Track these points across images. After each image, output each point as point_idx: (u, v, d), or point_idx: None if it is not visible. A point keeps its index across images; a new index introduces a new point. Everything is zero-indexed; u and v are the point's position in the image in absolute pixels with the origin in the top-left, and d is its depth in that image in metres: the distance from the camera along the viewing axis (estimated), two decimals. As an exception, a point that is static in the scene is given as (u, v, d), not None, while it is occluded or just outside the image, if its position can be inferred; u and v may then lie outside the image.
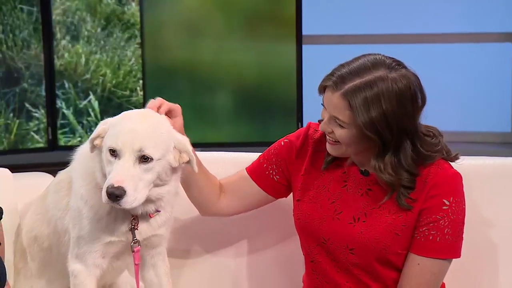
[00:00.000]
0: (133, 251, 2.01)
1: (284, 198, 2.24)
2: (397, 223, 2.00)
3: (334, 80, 1.93)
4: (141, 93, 3.93)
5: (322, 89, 1.98)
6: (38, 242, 2.20)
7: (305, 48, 4.00)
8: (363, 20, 4.70)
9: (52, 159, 3.70)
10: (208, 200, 2.22)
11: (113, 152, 1.89)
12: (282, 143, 2.18)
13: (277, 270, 2.45)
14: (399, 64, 1.96)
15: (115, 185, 1.84)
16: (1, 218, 1.99)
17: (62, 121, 3.94)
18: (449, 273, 2.04)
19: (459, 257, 2.02)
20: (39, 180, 2.49)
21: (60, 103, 3.94)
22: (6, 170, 2.45)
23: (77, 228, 2.02)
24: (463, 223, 2.01)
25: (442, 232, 1.98)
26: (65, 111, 3.95)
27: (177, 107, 2.06)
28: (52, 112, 3.90)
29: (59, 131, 3.93)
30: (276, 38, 3.94)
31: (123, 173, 1.86)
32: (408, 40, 4.58)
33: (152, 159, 1.89)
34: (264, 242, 2.46)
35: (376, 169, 1.96)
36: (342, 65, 1.96)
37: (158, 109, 2.03)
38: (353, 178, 2.06)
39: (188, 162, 1.98)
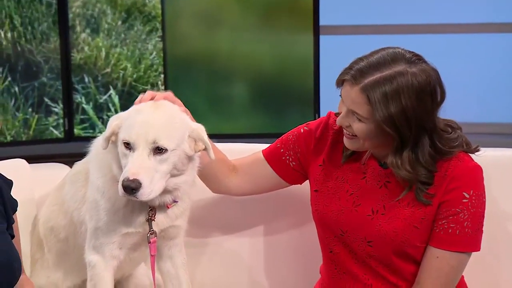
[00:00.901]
0: (150, 242, 2.01)
1: (301, 187, 2.23)
2: (416, 216, 1.98)
3: (353, 74, 1.91)
4: (163, 87, 3.88)
5: (340, 83, 1.96)
6: (54, 233, 2.21)
7: (322, 38, 3.98)
8: (381, 10, 4.67)
9: (69, 150, 3.69)
10: (216, 177, 2.20)
11: (128, 145, 1.90)
12: (302, 130, 2.17)
13: (294, 260, 2.45)
14: (419, 58, 1.95)
15: (131, 178, 1.84)
16: (16, 210, 2.00)
17: (82, 116, 3.88)
18: (468, 266, 2.03)
19: (479, 250, 2.01)
20: (55, 171, 2.49)
21: (79, 98, 3.87)
22: (23, 161, 2.46)
23: (94, 219, 2.03)
24: (483, 216, 1.99)
25: (462, 225, 1.96)
26: (85, 106, 3.89)
27: (169, 94, 2.05)
28: (69, 103, 3.84)
29: (79, 126, 3.86)
30: (293, 29, 3.91)
31: (138, 165, 1.86)
32: (426, 30, 4.54)
33: (166, 150, 1.89)
34: (281, 232, 2.46)
35: (393, 165, 1.95)
36: (360, 59, 1.94)
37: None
38: (372, 170, 2.05)
39: (204, 150, 1.97)
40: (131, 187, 1.84)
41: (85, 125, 3.88)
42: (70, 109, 3.85)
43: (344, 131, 2.01)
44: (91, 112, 3.89)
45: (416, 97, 1.89)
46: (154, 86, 3.91)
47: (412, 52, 1.96)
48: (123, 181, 1.85)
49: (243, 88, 3.99)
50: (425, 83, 1.90)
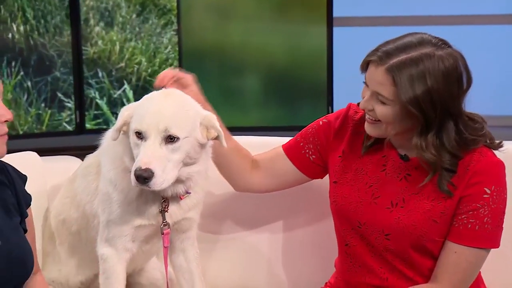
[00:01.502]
0: (163, 234, 2.00)
1: (318, 181, 2.22)
2: (436, 210, 1.97)
3: (379, 55, 1.91)
4: None
5: (365, 65, 1.96)
6: (66, 225, 2.21)
7: (336, 30, 3.95)
8: (396, 1, 4.63)
9: (80, 142, 3.66)
10: (238, 173, 2.21)
11: (139, 135, 1.89)
12: (321, 123, 2.16)
13: (310, 254, 2.45)
14: (445, 43, 1.94)
15: (143, 167, 1.83)
16: (30, 205, 2.00)
17: (95, 112, 3.82)
18: (486, 263, 2.01)
19: (498, 247, 1.99)
20: (67, 164, 2.50)
21: (93, 93, 3.81)
22: (35, 154, 2.46)
23: (106, 212, 2.02)
24: (504, 212, 1.98)
25: (482, 220, 1.94)
26: (98, 101, 3.82)
27: (188, 76, 2.07)
28: (80, 95, 3.79)
29: (92, 122, 3.81)
30: (307, 20, 3.89)
31: (150, 154, 1.85)
32: (443, 21, 4.51)
33: (178, 138, 1.88)
34: (298, 225, 2.46)
35: (418, 147, 1.93)
36: (387, 42, 1.95)
37: (170, 79, 2.05)
38: (392, 162, 2.04)
39: (217, 137, 1.96)
40: (144, 177, 1.83)
41: (98, 120, 3.81)
42: (81, 102, 3.79)
43: (367, 116, 2.00)
44: (105, 107, 3.83)
45: (442, 80, 1.88)
46: None
47: (438, 37, 1.96)
48: (136, 170, 1.84)
49: (256, 80, 3.96)
50: (452, 68, 1.90)
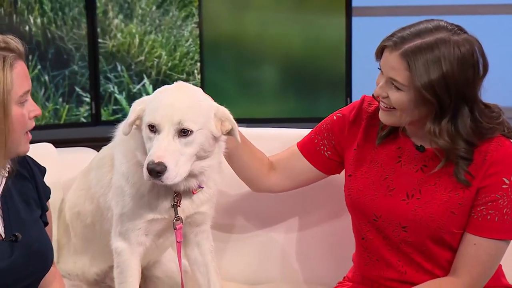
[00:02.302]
0: (175, 229, 2.00)
1: (335, 176, 2.22)
2: (454, 201, 1.95)
3: (394, 40, 1.91)
4: (199, 76, 3.77)
5: (380, 51, 1.95)
6: (81, 218, 2.22)
7: (355, 20, 3.93)
8: (416, -10, 4.60)
9: (95, 134, 3.64)
10: (255, 176, 2.22)
11: (152, 128, 1.89)
12: (335, 117, 2.15)
13: (325, 249, 2.45)
14: (462, 30, 1.93)
15: (156, 161, 1.83)
16: (49, 198, 2.01)
17: (114, 107, 3.76)
18: (506, 254, 1.99)
19: (518, 238, 1.98)
20: (82, 155, 2.50)
21: (112, 87, 3.75)
22: (50, 145, 2.47)
23: (119, 205, 2.03)
24: None
25: (501, 212, 1.93)
26: (117, 96, 3.76)
27: None
28: (96, 86, 3.74)
29: (111, 118, 3.75)
30: (325, 10, 3.86)
31: (163, 148, 1.85)
32: (463, 11, 4.47)
33: (192, 131, 1.88)
34: (314, 221, 2.45)
35: (431, 133, 1.92)
36: (403, 28, 1.94)
37: None
38: (407, 153, 2.02)
39: (231, 131, 1.95)
40: (156, 170, 1.83)
41: (117, 116, 3.75)
42: (97, 93, 3.74)
43: (381, 103, 1.98)
44: (124, 102, 3.77)
45: (457, 65, 1.87)
46: (190, 75, 3.79)
47: (455, 24, 1.95)
48: (148, 164, 1.84)
49: (273, 71, 3.94)
50: (468, 53, 1.89)
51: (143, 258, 2.07)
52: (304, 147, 2.19)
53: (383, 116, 2.00)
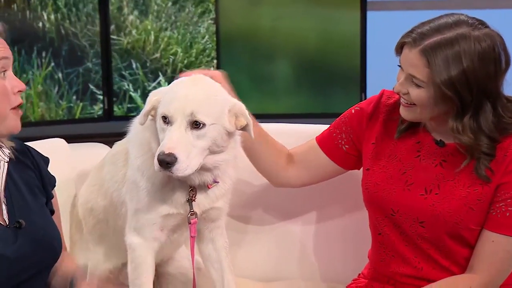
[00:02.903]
0: (190, 223, 2.01)
1: (352, 171, 2.22)
2: (472, 197, 1.95)
3: (414, 37, 1.90)
4: None
5: (400, 48, 1.95)
6: (94, 214, 2.23)
7: (370, 14, 3.92)
8: (432, -16, 4.57)
9: (108, 129, 3.64)
10: (273, 169, 2.23)
11: (165, 119, 1.90)
12: (353, 111, 2.16)
13: (342, 244, 2.46)
14: (483, 24, 1.93)
15: (166, 152, 1.84)
16: (54, 186, 2.02)
17: (129, 105, 3.70)
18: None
19: (537, 236, 1.97)
20: (95, 151, 2.52)
21: (126, 85, 3.69)
22: (62, 141, 2.48)
23: (134, 200, 2.04)
24: None
25: (520, 208, 1.92)
26: (132, 94, 3.70)
27: (217, 73, 2.08)
28: (108, 80, 3.69)
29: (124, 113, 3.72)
30: (339, 4, 3.84)
31: (175, 139, 1.86)
32: (483, 5, 4.44)
33: (204, 124, 1.88)
34: (331, 214, 2.46)
35: (454, 130, 1.92)
36: (422, 23, 1.94)
37: None
38: (427, 148, 2.03)
39: (246, 127, 1.96)
40: (166, 161, 1.83)
41: (132, 114, 3.61)
42: (109, 87, 3.70)
43: (402, 100, 1.99)
44: (138, 100, 3.72)
45: (478, 61, 1.87)
46: None
47: (476, 18, 1.94)
48: (159, 155, 1.85)
49: (287, 66, 3.93)
50: (489, 48, 1.88)
51: (157, 254, 2.07)
52: (323, 141, 2.19)
53: (403, 112, 2.00)
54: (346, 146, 2.16)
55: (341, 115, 2.19)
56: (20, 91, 1.83)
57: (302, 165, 2.22)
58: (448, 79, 1.87)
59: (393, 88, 2.00)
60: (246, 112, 1.96)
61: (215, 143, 1.92)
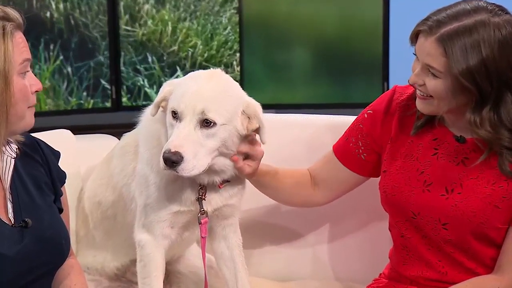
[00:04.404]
0: (200, 223, 1.99)
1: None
2: (497, 194, 1.94)
3: (430, 25, 1.88)
4: (238, 68, 3.63)
5: (415, 36, 1.93)
6: (101, 208, 2.23)
7: (392, -1, 3.89)
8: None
9: (116, 120, 3.60)
10: (303, 197, 2.24)
11: (175, 115, 1.89)
12: (366, 115, 2.14)
13: (360, 243, 2.46)
14: (503, 10, 1.90)
15: (172, 150, 1.83)
16: (64, 183, 2.02)
17: (144, 102, 3.60)
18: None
19: None
20: (102, 142, 2.52)
21: (142, 81, 3.64)
22: (68, 132, 2.49)
23: (144, 195, 2.03)
24: None
25: (549, 205, 1.91)
26: (147, 90, 3.64)
27: (258, 152, 2.02)
28: (116, 70, 3.64)
29: (133, 103, 3.66)
30: (360, -13, 3.82)
31: (182, 137, 1.85)
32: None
33: (215, 123, 1.87)
34: (346, 213, 2.46)
35: (472, 123, 1.90)
36: (439, 10, 1.91)
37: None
38: (446, 145, 2.01)
39: (258, 130, 1.94)
40: (172, 160, 1.83)
41: (144, 103, 3.62)
42: (117, 76, 3.63)
43: (418, 91, 1.97)
44: (154, 97, 3.61)
45: (498, 49, 1.85)
46: (228, 66, 3.64)
47: (495, 4, 1.91)
48: (164, 152, 1.84)
49: (305, 54, 3.90)
50: (510, 35, 1.86)
51: (167, 252, 2.07)
52: (340, 151, 2.18)
53: (420, 105, 1.98)
54: (364, 155, 2.14)
55: (355, 119, 2.17)
56: (37, 91, 1.84)
57: (325, 184, 2.21)
58: (466, 69, 1.84)
59: (408, 79, 1.97)
60: (261, 114, 1.95)
61: (224, 144, 1.91)
